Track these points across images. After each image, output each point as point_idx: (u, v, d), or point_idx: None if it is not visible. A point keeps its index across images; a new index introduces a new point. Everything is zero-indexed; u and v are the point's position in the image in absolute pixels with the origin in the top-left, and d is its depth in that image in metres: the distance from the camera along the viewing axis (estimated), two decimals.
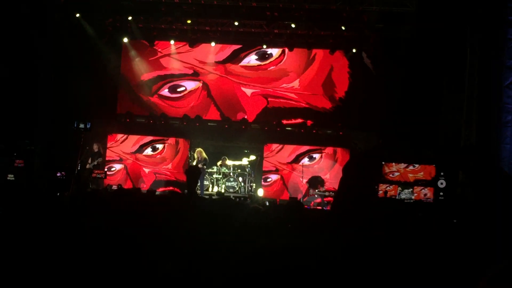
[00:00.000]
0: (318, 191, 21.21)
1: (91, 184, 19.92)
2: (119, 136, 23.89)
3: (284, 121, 23.78)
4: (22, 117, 21.69)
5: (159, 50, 24.66)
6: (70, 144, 21.46)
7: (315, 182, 21.66)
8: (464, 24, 21.00)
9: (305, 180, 22.14)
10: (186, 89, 24.39)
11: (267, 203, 16.41)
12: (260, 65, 24.03)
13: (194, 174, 6.83)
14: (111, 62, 23.83)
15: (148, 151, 23.73)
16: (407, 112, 21.75)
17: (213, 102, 24.21)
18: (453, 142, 21.48)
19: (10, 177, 17.96)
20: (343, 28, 22.38)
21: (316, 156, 23.41)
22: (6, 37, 20.61)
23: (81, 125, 12.50)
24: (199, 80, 24.33)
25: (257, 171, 23.16)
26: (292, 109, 24.06)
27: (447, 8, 20.66)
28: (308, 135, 23.85)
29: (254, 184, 22.66)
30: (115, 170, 23.33)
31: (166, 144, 23.67)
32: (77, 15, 22.70)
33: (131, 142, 23.91)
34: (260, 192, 22.34)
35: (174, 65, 24.53)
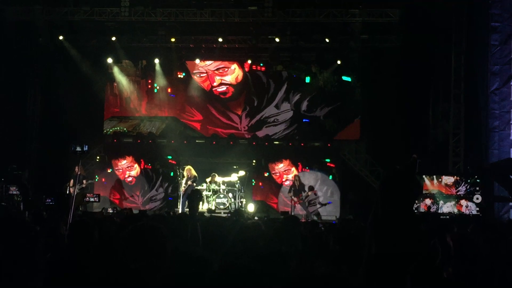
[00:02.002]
0: (301, 197, 21.35)
1: (81, 207, 19.66)
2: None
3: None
4: (9, 142, 21.58)
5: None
6: (58, 168, 21.35)
7: (299, 189, 21.74)
8: (448, 32, 21.12)
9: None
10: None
11: (256, 218, 16.35)
12: None
13: (197, 198, 6.79)
14: (96, 82, 23.74)
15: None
16: (395, 121, 21.80)
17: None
18: (442, 149, 21.56)
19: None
20: (327, 40, 22.44)
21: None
22: None
23: (78, 148, 12.25)
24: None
25: (247, 187, 23.14)
26: None
27: (430, 17, 20.77)
28: (296, 148, 24.01)
29: (244, 200, 22.58)
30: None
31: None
32: (60, 37, 22.62)
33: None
34: (251, 208, 22.27)
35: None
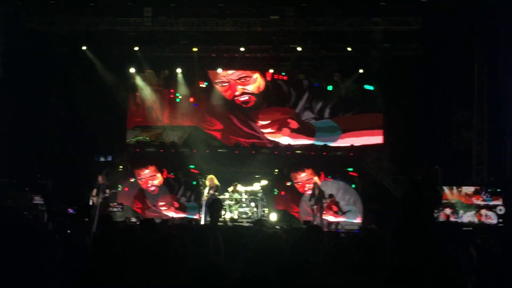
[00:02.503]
0: (321, 205, 21.16)
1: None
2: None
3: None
4: (33, 151, 21.75)
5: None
6: (81, 178, 21.44)
7: (319, 197, 21.58)
8: (470, 41, 20.97)
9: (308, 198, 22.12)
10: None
11: (278, 227, 16.27)
12: None
13: (218, 207, 6.81)
14: (119, 92, 23.85)
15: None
16: (417, 129, 21.70)
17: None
18: (465, 157, 21.40)
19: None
20: (349, 49, 22.42)
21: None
22: (17, 72, 20.71)
23: (102, 158, 12.27)
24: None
25: (269, 196, 23.09)
26: None
27: (452, 25, 20.66)
28: (318, 157, 23.95)
29: (266, 209, 22.53)
30: None
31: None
32: (83, 47, 22.81)
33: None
34: (273, 217, 22.23)
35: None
